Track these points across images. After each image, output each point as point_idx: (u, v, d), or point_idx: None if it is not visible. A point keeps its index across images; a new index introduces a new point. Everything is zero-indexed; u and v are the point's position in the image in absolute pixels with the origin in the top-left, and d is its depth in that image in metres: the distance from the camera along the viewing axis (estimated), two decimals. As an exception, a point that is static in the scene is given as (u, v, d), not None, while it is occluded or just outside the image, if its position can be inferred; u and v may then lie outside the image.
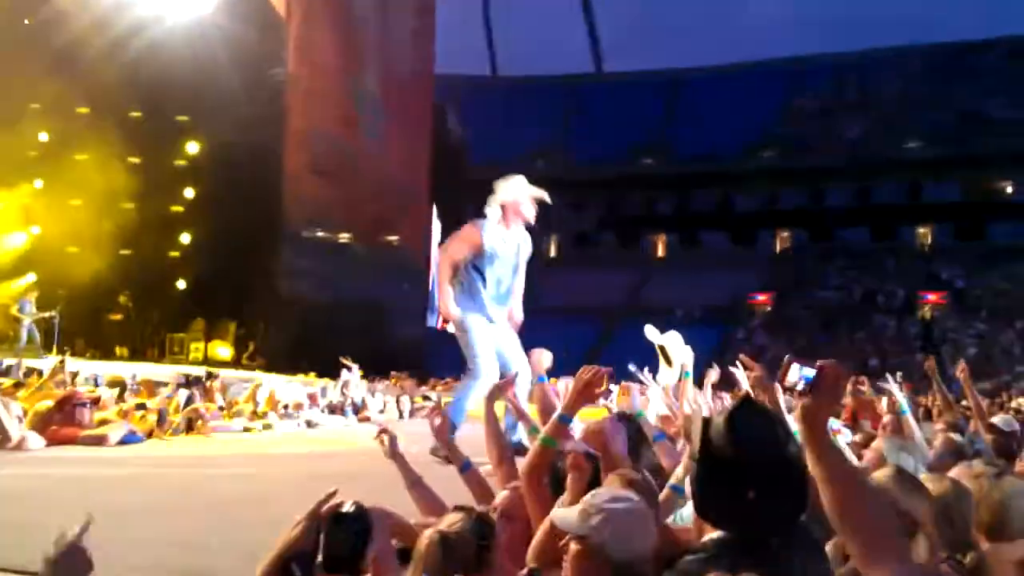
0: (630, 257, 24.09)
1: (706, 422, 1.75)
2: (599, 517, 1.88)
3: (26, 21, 15.22)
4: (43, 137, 17.49)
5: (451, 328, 5.46)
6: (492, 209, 5.43)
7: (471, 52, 24.55)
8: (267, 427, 6.75)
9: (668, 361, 3.42)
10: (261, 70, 17.42)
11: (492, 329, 5.29)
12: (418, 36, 22.30)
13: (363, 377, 10.41)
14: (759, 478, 1.56)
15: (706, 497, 1.63)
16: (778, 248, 23.25)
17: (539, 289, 21.88)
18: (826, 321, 19.66)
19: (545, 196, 5.43)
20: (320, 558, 1.75)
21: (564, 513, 1.99)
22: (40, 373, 7.41)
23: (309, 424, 7.39)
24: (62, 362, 7.33)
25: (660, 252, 24.22)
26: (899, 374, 4.66)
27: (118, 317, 17.91)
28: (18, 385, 6.26)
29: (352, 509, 1.90)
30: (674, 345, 3.54)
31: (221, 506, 3.61)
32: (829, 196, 23.02)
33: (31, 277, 16.77)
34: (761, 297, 21.49)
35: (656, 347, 3.46)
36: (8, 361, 8.63)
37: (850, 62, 23.08)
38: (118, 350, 15.89)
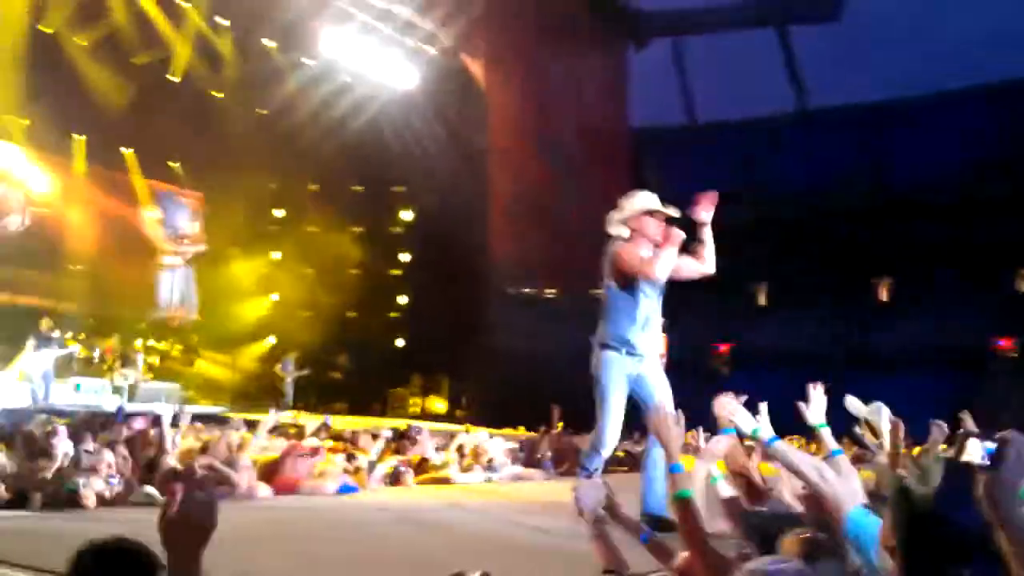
0: (849, 300, 22.60)
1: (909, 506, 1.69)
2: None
3: (258, 110, 17.13)
4: (279, 213, 19.54)
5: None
6: (617, 230, 4.78)
7: (669, 101, 24.48)
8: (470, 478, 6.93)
9: (875, 434, 3.14)
10: (464, 138, 18.48)
11: (632, 370, 4.63)
12: (613, 91, 22.67)
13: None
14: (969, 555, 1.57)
15: None
16: (1020, 287, 20.91)
17: (748, 337, 21.12)
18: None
19: (673, 211, 4.73)
20: None
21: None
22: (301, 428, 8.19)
23: (513, 477, 7.52)
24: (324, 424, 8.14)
25: (883, 295, 22.55)
26: None
27: (341, 375, 19.37)
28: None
29: None
30: (881, 417, 3.25)
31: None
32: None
33: (271, 340, 18.65)
34: (1004, 342, 19.36)
35: (862, 421, 3.17)
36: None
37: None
38: (338, 406, 17.15)
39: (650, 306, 4.70)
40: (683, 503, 2.46)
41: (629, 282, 4.67)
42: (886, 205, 22.49)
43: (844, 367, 17.53)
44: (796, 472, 2.94)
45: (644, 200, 4.79)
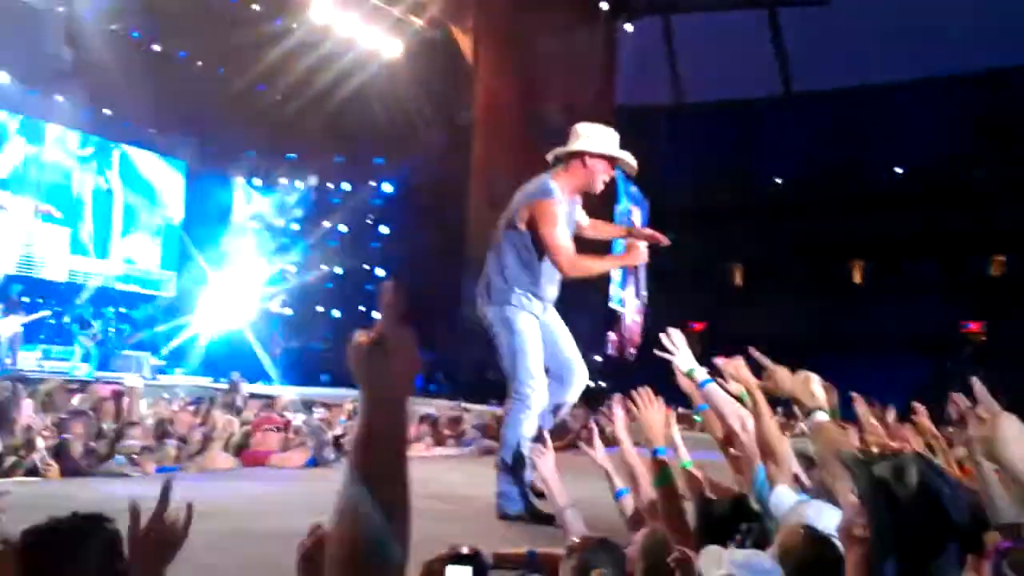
0: (825, 285, 22.78)
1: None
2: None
3: (242, 85, 16.87)
4: (256, 181, 19.37)
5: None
6: (567, 165, 4.15)
7: (657, 80, 24.41)
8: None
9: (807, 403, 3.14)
10: (449, 111, 18.38)
11: (543, 328, 4.23)
12: (601, 68, 22.50)
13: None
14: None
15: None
16: (992, 272, 21.15)
17: (722, 318, 21.24)
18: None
19: (631, 162, 4.15)
20: None
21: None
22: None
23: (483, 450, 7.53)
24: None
25: (857, 279, 22.75)
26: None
27: (324, 347, 19.38)
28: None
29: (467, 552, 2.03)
30: (813, 384, 3.25)
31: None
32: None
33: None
34: (973, 326, 19.61)
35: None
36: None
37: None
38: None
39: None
40: (669, 489, 2.49)
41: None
42: (862, 190, 22.63)
43: (817, 350, 17.72)
44: (720, 416, 2.98)
45: (609, 140, 4.16)
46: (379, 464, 1.06)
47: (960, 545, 1.61)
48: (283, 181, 19.37)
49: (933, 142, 21.62)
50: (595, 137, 4.15)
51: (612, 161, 4.17)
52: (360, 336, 1.13)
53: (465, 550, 2.21)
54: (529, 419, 4.11)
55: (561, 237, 4.09)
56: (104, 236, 16.90)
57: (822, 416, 2.39)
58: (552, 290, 4.29)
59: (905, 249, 21.88)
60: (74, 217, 16.38)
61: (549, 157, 4.32)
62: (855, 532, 1.71)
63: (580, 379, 4.29)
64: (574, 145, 4.16)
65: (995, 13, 18.79)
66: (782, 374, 2.77)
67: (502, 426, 4.33)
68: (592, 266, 4.24)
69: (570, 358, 4.30)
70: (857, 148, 22.98)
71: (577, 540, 2.29)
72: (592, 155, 4.13)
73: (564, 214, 4.16)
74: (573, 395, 4.32)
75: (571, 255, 4.11)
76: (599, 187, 4.23)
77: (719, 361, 3.07)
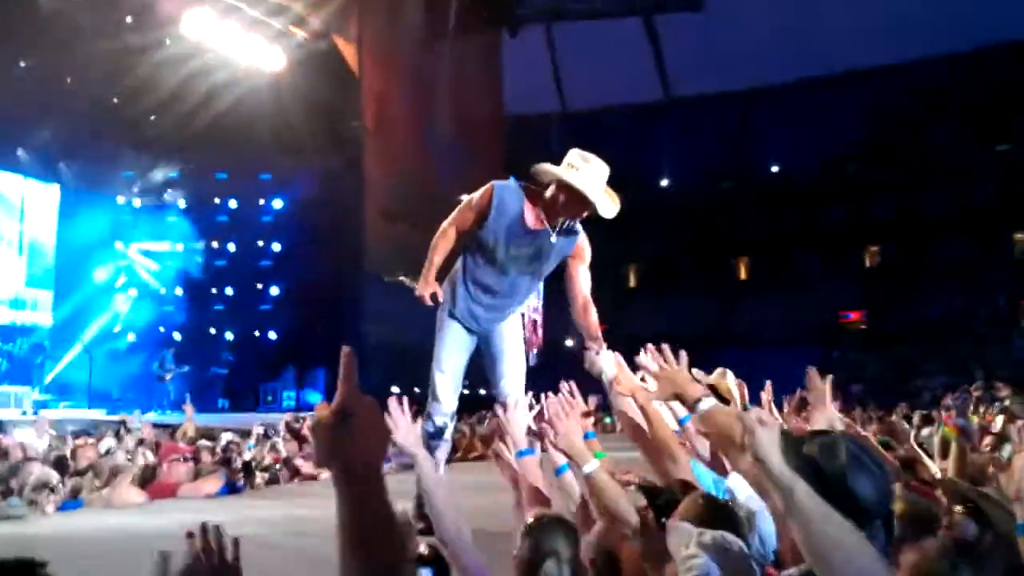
0: (714, 282, 23.61)
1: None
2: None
3: (115, 100, 16.00)
4: (136, 202, 18.48)
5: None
6: (547, 186, 3.82)
7: (541, 89, 24.72)
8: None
9: (724, 399, 3.25)
10: (336, 123, 18.04)
11: (482, 343, 4.11)
12: (488, 77, 22.64)
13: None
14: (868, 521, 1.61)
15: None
16: (868, 263, 22.47)
17: (619, 318, 21.71)
18: (926, 336, 18.85)
19: (605, 211, 3.82)
20: None
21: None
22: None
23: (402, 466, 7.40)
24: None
25: (744, 275, 23.72)
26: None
27: (223, 370, 18.65)
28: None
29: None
30: (728, 380, 3.36)
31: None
32: (919, 206, 22.15)
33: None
34: (853, 315, 20.75)
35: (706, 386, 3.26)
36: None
37: (931, 67, 22.27)
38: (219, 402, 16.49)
39: (507, 270, 3.98)
40: (590, 479, 2.47)
41: (480, 231, 3.89)
42: (744, 191, 23.60)
43: (710, 345, 18.31)
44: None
45: (593, 176, 3.77)
46: (377, 546, 0.98)
47: (884, 522, 1.68)
48: (167, 199, 18.57)
49: (808, 141, 22.77)
50: (581, 171, 3.80)
51: (585, 204, 3.80)
52: (321, 410, 1.03)
53: (424, 550, 2.14)
54: (435, 416, 4.06)
55: (457, 215, 3.94)
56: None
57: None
58: (492, 301, 4.08)
59: (787, 245, 22.93)
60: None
61: (532, 170, 4.01)
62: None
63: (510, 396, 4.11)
64: (558, 171, 3.84)
65: (867, 13, 19.90)
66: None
67: None
68: (432, 253, 4.05)
69: (502, 374, 4.16)
70: (738, 150, 23.96)
71: (532, 519, 2.25)
72: (571, 190, 3.78)
73: (502, 217, 3.87)
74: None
75: (443, 227, 3.95)
76: (554, 220, 3.88)
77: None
